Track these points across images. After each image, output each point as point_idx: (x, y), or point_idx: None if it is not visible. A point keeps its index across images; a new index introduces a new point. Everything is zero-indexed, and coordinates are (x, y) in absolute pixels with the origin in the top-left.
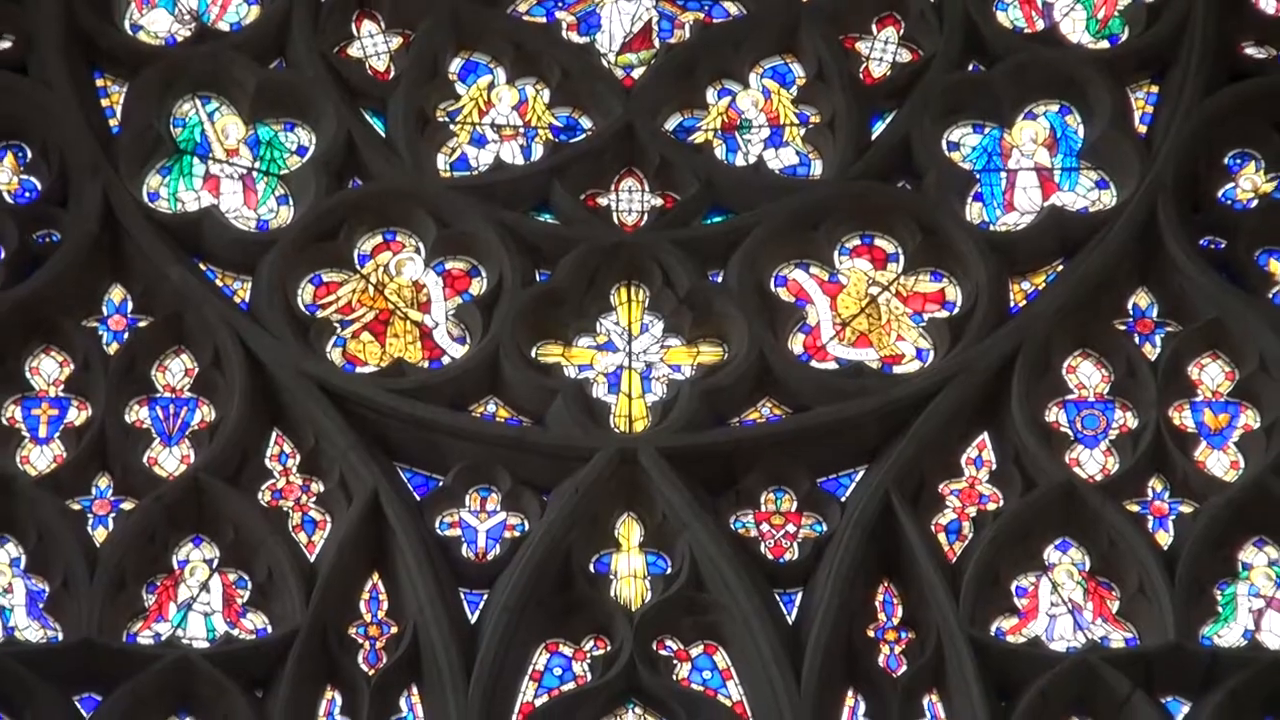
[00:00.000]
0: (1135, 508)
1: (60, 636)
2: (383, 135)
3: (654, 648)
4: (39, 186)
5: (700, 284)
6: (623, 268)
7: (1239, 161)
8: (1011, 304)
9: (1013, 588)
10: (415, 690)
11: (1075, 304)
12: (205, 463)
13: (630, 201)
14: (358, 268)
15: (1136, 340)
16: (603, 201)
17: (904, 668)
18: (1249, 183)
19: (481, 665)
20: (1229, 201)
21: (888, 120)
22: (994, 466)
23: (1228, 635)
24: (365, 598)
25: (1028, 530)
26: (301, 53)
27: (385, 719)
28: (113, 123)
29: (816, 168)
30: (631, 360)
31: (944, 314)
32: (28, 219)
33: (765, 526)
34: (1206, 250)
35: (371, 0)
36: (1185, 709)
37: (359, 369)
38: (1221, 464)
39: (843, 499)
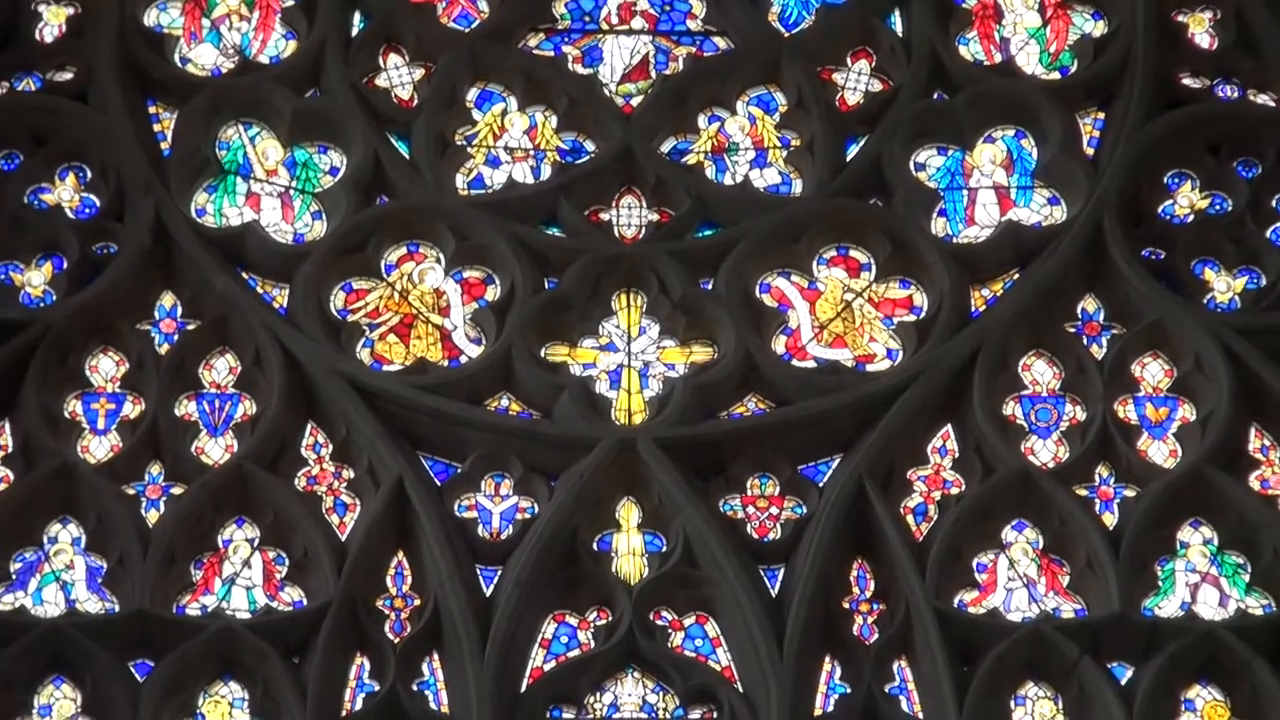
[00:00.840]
0: (1084, 492)
1: (117, 608)
2: (407, 157)
3: (651, 618)
4: (98, 203)
5: (692, 291)
6: (623, 276)
7: (1177, 180)
8: (972, 309)
9: (973, 564)
10: (436, 656)
11: (1030, 309)
12: (247, 452)
13: (629, 216)
14: (384, 276)
15: (1085, 341)
16: (605, 216)
17: (876, 636)
18: (1186, 200)
19: (496, 634)
20: (1168, 217)
21: (861, 143)
22: (957, 455)
23: (1167, 607)
24: (391, 573)
25: (987, 512)
26: (334, 83)
27: (409, 682)
28: (164, 146)
29: (797, 186)
30: (630, 359)
31: (911, 318)
32: (88, 232)
33: (751, 509)
34: (1148, 260)
35: (397, 35)
36: (1129, 673)
37: (386, 367)
38: (1161, 452)
39: (820, 484)
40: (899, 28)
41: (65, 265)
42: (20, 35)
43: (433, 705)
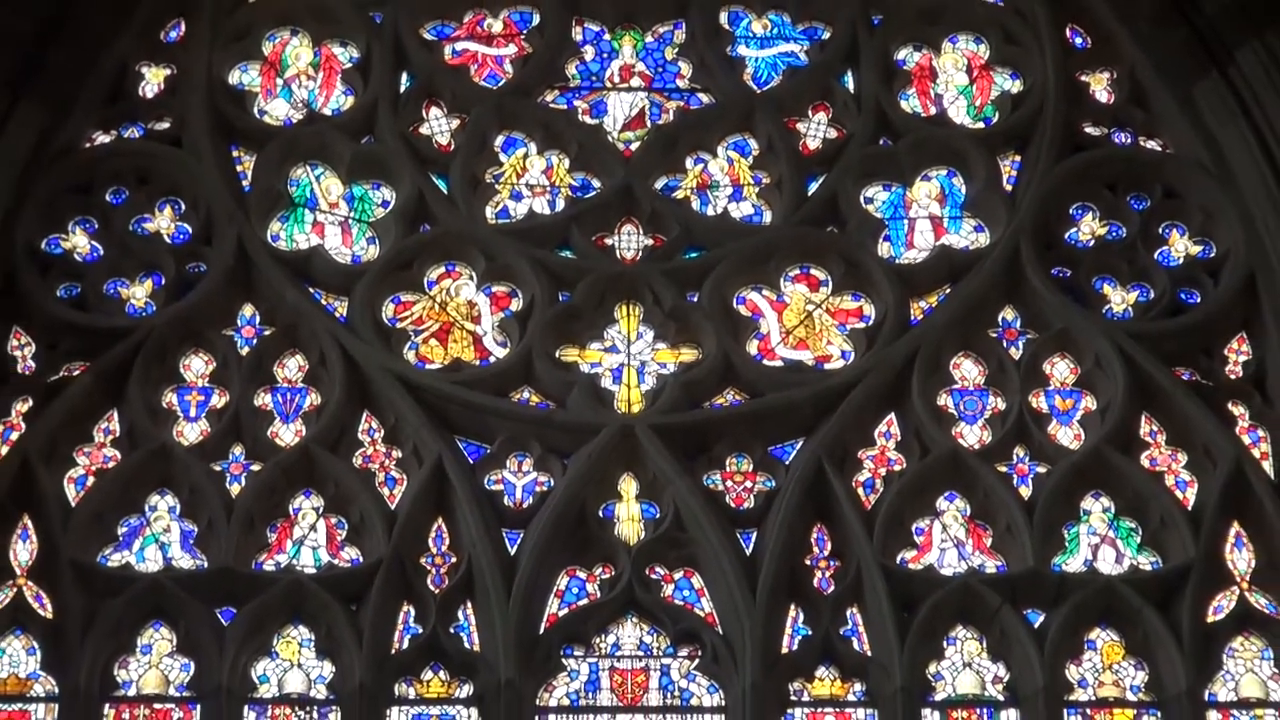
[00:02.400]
0: (1004, 468)
1: (206, 565)
2: (445, 192)
3: (647, 573)
4: (190, 230)
5: (681, 303)
6: (623, 291)
7: (1080, 212)
8: (912, 318)
9: (913, 528)
10: (469, 604)
11: (959, 318)
12: (313, 436)
13: (629, 241)
14: (427, 291)
15: (1005, 345)
16: (609, 241)
17: (832, 588)
18: (1088, 228)
19: (518, 586)
20: (1073, 242)
21: (820, 181)
22: (899, 438)
23: (1073, 563)
24: (432, 536)
25: (924, 485)
26: (385, 131)
27: (447, 626)
28: (245, 183)
29: (767, 216)
30: (630, 359)
31: (862, 325)
32: (182, 254)
33: (729, 483)
34: (1057, 278)
35: (437, 92)
36: (1041, 618)
37: (428, 366)
38: (1068, 436)
39: (787, 462)
40: (851, 86)
41: (163, 282)
42: (126, 92)
43: (466, 645)
